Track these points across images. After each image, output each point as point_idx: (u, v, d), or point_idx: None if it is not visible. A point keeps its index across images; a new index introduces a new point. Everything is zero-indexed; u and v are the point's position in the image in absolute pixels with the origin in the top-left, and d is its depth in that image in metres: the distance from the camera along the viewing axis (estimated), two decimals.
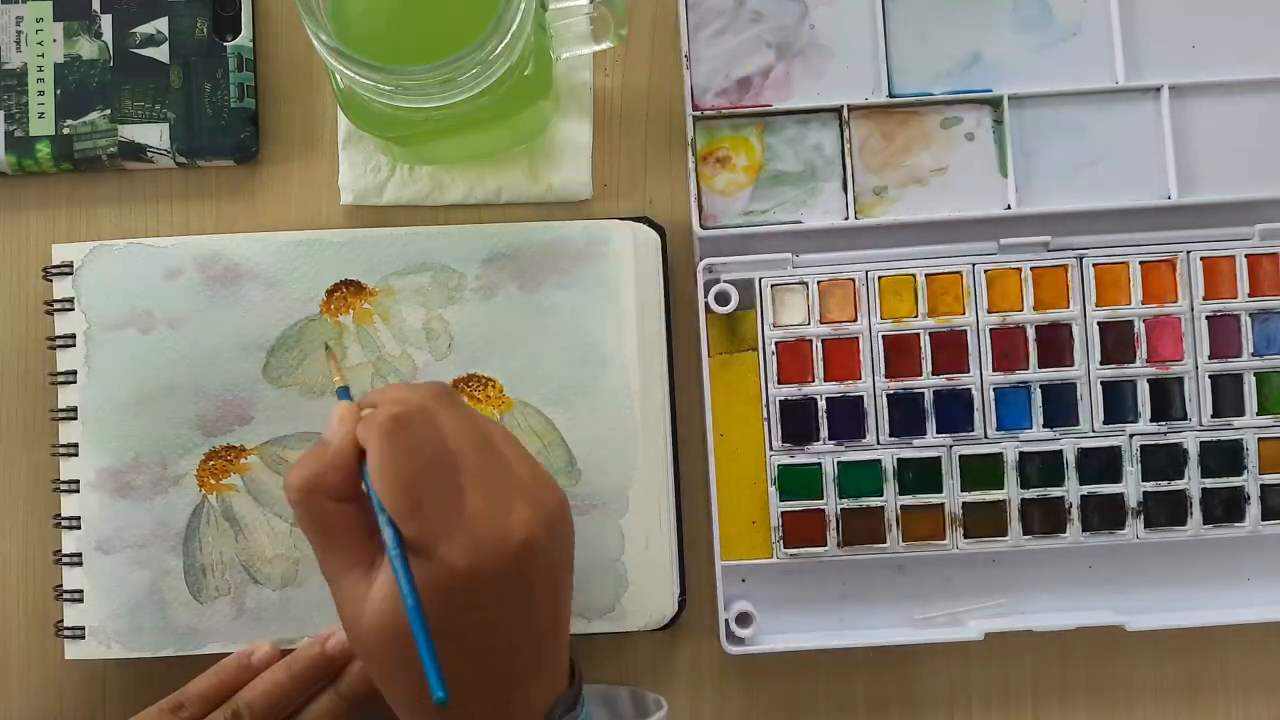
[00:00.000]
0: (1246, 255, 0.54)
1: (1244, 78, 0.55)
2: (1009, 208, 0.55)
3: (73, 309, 0.53)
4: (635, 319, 0.53)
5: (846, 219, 0.55)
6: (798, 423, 0.55)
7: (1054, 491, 0.54)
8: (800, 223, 0.55)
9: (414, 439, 0.41)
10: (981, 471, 0.54)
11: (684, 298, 0.56)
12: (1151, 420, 0.54)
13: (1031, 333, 0.54)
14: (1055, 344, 0.55)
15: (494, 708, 0.43)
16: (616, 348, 0.53)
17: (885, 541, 0.54)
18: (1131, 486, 0.54)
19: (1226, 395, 0.55)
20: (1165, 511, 0.54)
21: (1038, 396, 0.54)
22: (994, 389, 0.54)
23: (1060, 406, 0.54)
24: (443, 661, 0.40)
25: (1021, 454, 0.54)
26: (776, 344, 0.55)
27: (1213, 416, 0.54)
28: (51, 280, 0.54)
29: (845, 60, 0.56)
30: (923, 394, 0.54)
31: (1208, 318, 0.54)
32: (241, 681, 0.50)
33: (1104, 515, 0.54)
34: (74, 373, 0.53)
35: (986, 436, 0.54)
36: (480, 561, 0.40)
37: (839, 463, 0.54)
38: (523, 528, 0.41)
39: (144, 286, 0.53)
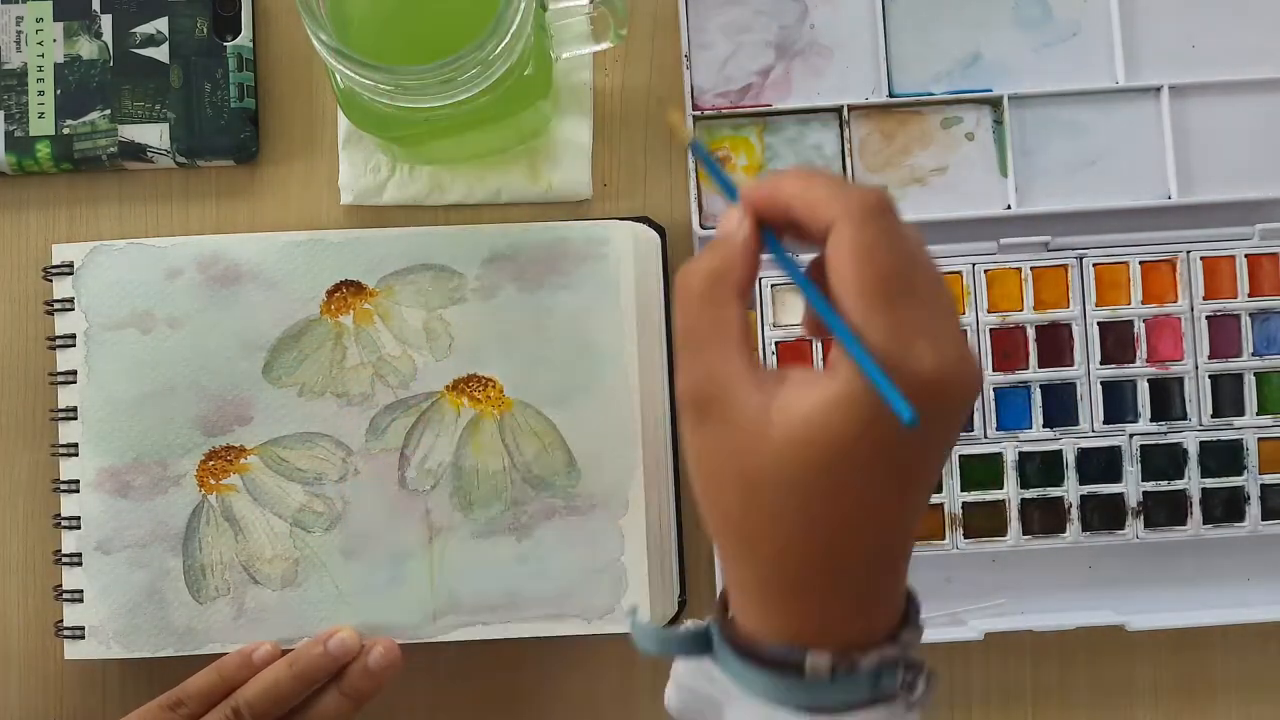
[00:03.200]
0: (1246, 255, 0.54)
1: (1244, 78, 0.55)
2: (1009, 208, 0.55)
3: (73, 309, 0.53)
4: (635, 319, 0.53)
5: None
6: None
7: (1054, 491, 0.54)
8: None
9: (897, 226, 0.35)
10: (981, 471, 0.54)
11: None
12: (1151, 420, 0.54)
13: (1031, 332, 0.54)
14: (1055, 344, 0.55)
15: (863, 590, 0.37)
16: (616, 348, 0.53)
17: None
18: (1131, 486, 0.54)
19: (1226, 395, 0.55)
20: (1165, 511, 0.54)
21: (1038, 396, 0.54)
22: (994, 389, 0.54)
23: (1060, 406, 0.54)
24: (839, 512, 0.35)
25: (1021, 454, 0.54)
26: (776, 344, 0.55)
27: (1213, 416, 0.54)
28: (51, 280, 0.54)
29: (845, 60, 0.56)
30: None
31: (1208, 318, 0.54)
32: (242, 679, 0.50)
33: (1104, 515, 0.54)
34: (74, 373, 0.53)
35: (986, 436, 0.54)
36: (949, 376, 0.34)
37: None
38: (976, 367, 0.36)
39: (144, 286, 0.53)
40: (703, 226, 0.55)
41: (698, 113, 0.55)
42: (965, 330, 0.37)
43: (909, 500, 0.37)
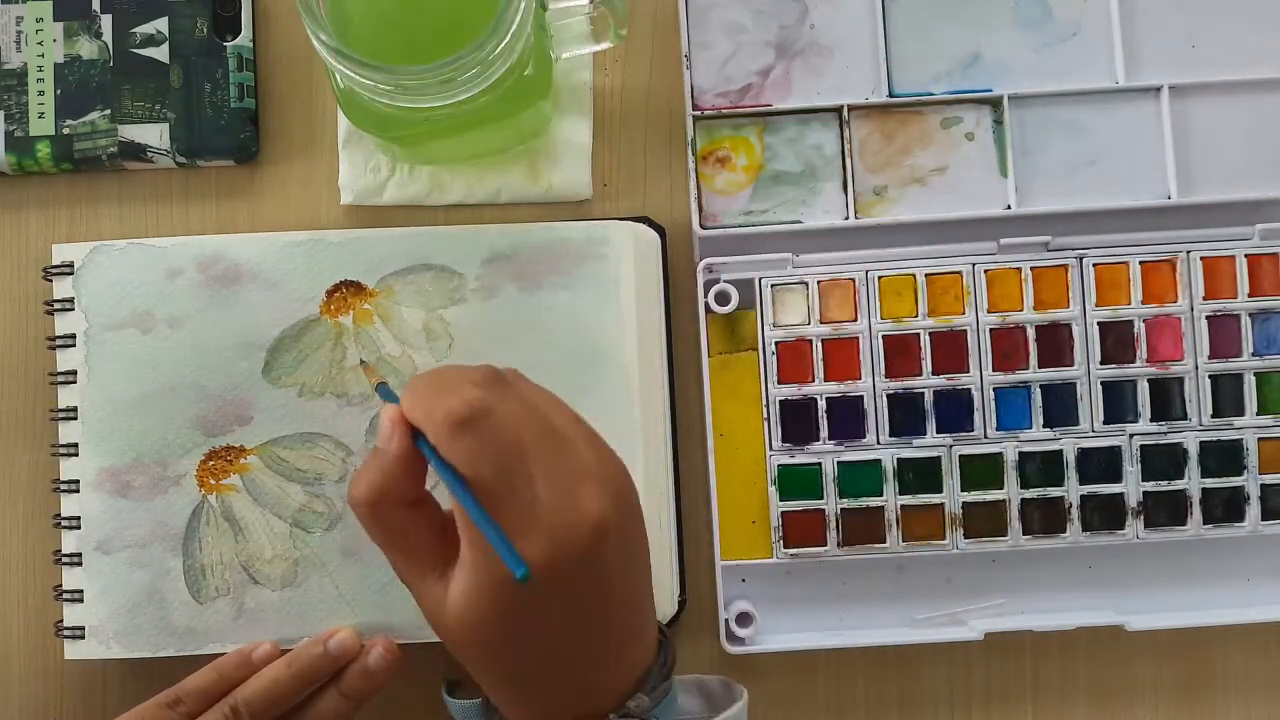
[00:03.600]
0: (1246, 255, 0.54)
1: (1244, 78, 0.55)
2: (1009, 208, 0.55)
3: (73, 309, 0.53)
4: (635, 319, 0.53)
5: (846, 219, 0.55)
6: (798, 423, 0.55)
7: (1054, 491, 0.54)
8: (800, 223, 0.55)
9: (478, 440, 0.40)
10: (981, 471, 0.54)
11: (684, 298, 0.56)
12: (1151, 420, 0.54)
13: (1031, 333, 0.54)
14: (1055, 344, 0.55)
15: (591, 683, 0.43)
16: (616, 348, 0.53)
17: (885, 541, 0.54)
18: (1131, 486, 0.54)
19: (1226, 395, 0.55)
20: (1165, 511, 0.54)
21: (1038, 396, 0.54)
22: (994, 389, 0.54)
23: (1060, 406, 0.54)
24: (535, 651, 0.41)
25: (1021, 454, 0.54)
26: (776, 344, 0.55)
27: (1213, 416, 0.54)
28: (51, 280, 0.54)
29: (845, 60, 0.56)
30: (923, 394, 0.54)
31: (1208, 318, 0.54)
32: (241, 678, 0.50)
33: (1104, 515, 0.54)
34: (74, 373, 0.53)
35: (986, 436, 0.54)
36: (557, 552, 0.40)
37: (839, 463, 0.54)
38: (595, 509, 0.40)
39: (144, 286, 0.53)
40: (703, 226, 0.55)
41: (698, 113, 0.55)
42: (602, 460, 0.42)
43: (608, 609, 0.42)
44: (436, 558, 0.42)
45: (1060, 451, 0.54)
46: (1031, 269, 0.54)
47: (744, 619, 0.54)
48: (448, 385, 0.41)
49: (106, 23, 0.56)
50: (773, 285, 0.55)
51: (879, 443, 0.54)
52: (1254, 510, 0.54)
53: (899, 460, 0.54)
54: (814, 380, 0.55)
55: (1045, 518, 0.54)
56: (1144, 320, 0.55)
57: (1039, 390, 0.54)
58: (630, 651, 0.44)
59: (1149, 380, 0.54)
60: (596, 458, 0.42)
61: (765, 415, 0.55)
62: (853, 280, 0.55)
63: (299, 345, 0.53)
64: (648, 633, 0.45)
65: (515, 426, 0.41)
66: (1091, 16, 0.56)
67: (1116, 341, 0.55)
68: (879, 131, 0.56)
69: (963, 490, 0.54)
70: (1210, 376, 0.54)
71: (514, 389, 0.43)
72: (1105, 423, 0.54)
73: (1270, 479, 0.54)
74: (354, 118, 0.50)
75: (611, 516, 0.41)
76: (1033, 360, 0.54)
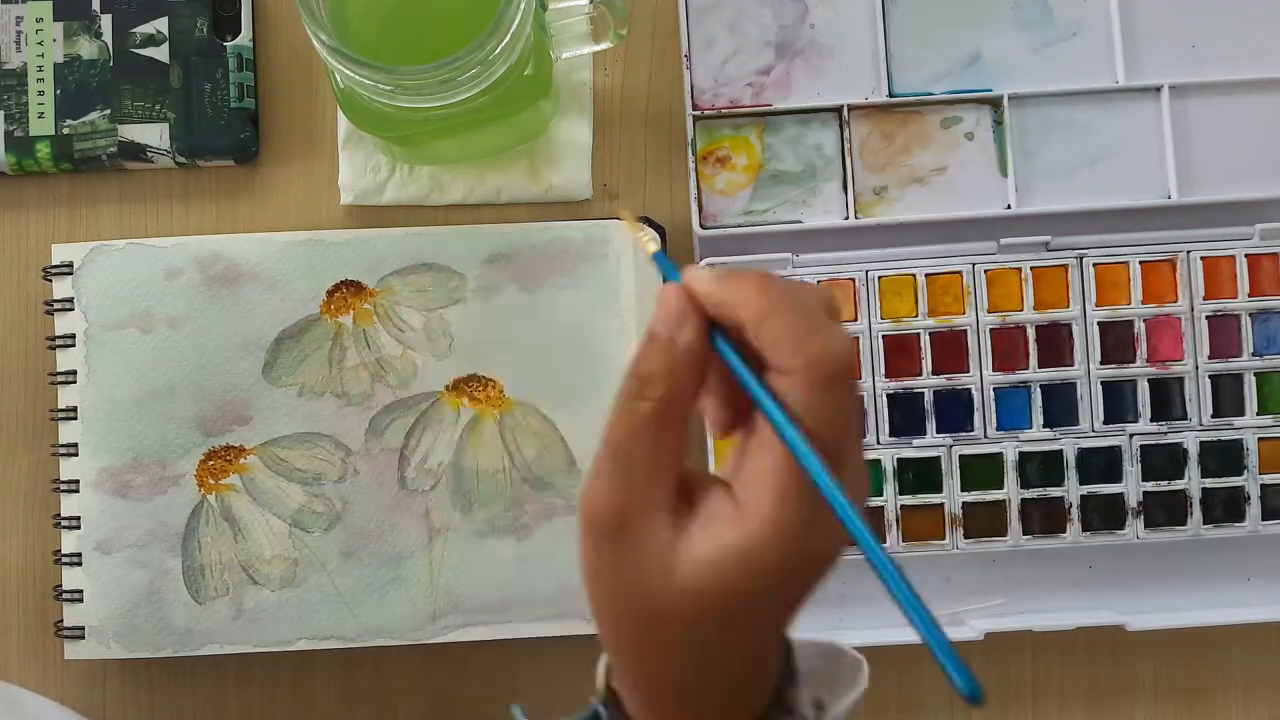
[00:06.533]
0: (1246, 255, 0.54)
1: (1244, 78, 0.55)
2: (1009, 207, 0.55)
3: (73, 309, 0.53)
4: (635, 319, 0.53)
5: (846, 219, 0.55)
6: None
7: (1054, 491, 0.54)
8: (800, 222, 0.55)
9: (849, 397, 0.33)
10: (981, 471, 0.54)
11: None
12: (1151, 420, 0.54)
13: (1031, 332, 0.54)
14: (1055, 344, 0.55)
15: (748, 688, 0.36)
16: (616, 348, 0.53)
17: (885, 541, 0.54)
18: (1131, 486, 0.54)
19: (1226, 395, 0.55)
20: (1165, 511, 0.54)
21: (1038, 396, 0.54)
22: (994, 389, 0.54)
23: (1060, 406, 0.54)
24: (739, 648, 0.33)
25: (1021, 454, 0.54)
26: None
27: (1213, 416, 0.54)
28: (51, 280, 0.54)
29: (845, 60, 0.56)
30: (923, 394, 0.54)
31: (1208, 317, 0.54)
32: None
33: (1104, 515, 0.54)
34: (74, 373, 0.53)
35: (986, 436, 0.54)
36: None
37: None
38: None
39: (144, 286, 0.53)
40: (703, 226, 0.55)
41: (698, 113, 0.55)
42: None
43: (794, 617, 0.35)
44: (678, 498, 0.33)
45: (1060, 451, 0.54)
46: (1031, 269, 0.54)
47: None
48: (808, 309, 0.32)
49: (106, 23, 0.56)
50: None
51: (879, 443, 0.54)
52: (1254, 510, 0.54)
53: (899, 460, 0.54)
54: None
55: (1045, 518, 0.54)
56: (1144, 320, 0.55)
57: (1039, 390, 0.54)
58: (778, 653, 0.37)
59: (1149, 380, 0.54)
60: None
61: None
62: (853, 280, 0.55)
63: (299, 345, 0.53)
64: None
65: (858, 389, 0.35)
66: (1091, 16, 0.56)
67: (1116, 341, 0.55)
68: (879, 131, 0.56)
69: (963, 490, 0.54)
70: (1210, 376, 0.54)
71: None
72: (1105, 423, 0.54)
73: (1270, 479, 0.54)
74: (354, 118, 0.50)
75: None
76: (1033, 360, 0.54)
